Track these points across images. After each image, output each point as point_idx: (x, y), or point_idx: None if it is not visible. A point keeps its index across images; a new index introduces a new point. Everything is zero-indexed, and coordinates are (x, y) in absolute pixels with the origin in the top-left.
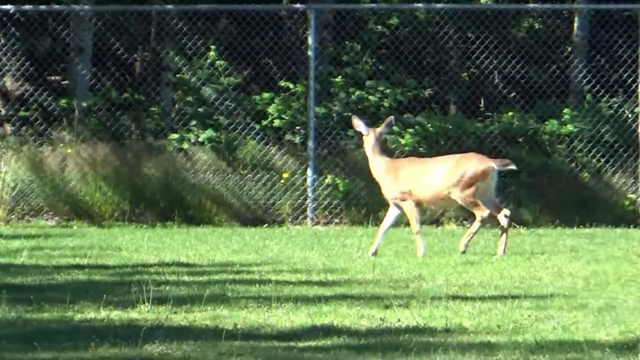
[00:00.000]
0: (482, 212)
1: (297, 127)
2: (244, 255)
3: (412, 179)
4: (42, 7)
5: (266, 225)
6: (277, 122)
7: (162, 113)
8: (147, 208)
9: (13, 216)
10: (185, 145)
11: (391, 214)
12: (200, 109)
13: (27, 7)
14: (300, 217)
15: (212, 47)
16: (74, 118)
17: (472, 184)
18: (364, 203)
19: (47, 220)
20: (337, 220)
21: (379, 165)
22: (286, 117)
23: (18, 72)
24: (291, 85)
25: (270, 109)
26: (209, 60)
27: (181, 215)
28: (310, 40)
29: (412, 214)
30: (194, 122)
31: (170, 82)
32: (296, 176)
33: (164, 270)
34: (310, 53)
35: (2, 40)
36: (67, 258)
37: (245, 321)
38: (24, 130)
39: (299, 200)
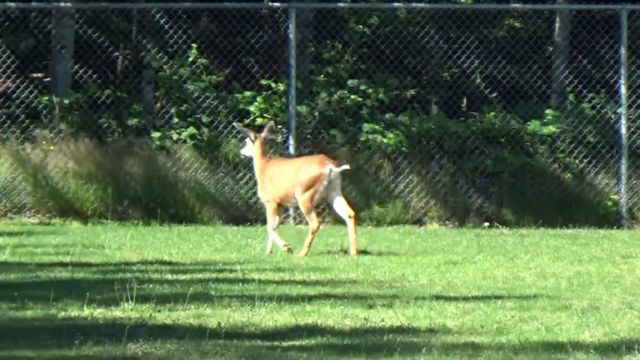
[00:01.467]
0: (312, 223)
1: (279, 126)
2: (227, 254)
3: (272, 180)
4: (24, 4)
5: (249, 223)
6: (259, 121)
7: (144, 111)
8: (129, 206)
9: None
10: (168, 143)
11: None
12: (182, 107)
13: (9, 4)
14: (282, 215)
15: (194, 45)
16: (56, 115)
17: (310, 186)
18: (347, 201)
19: (29, 217)
20: (320, 219)
21: (258, 166)
22: (268, 116)
23: (0, 69)
24: (273, 84)
25: (252, 108)
26: (190, 59)
27: (164, 213)
28: (291, 39)
29: (270, 213)
30: (175, 120)
31: (151, 80)
32: None
33: (147, 268)
34: (291, 51)
35: None
36: (50, 256)
37: (229, 320)
38: (6, 127)
39: None
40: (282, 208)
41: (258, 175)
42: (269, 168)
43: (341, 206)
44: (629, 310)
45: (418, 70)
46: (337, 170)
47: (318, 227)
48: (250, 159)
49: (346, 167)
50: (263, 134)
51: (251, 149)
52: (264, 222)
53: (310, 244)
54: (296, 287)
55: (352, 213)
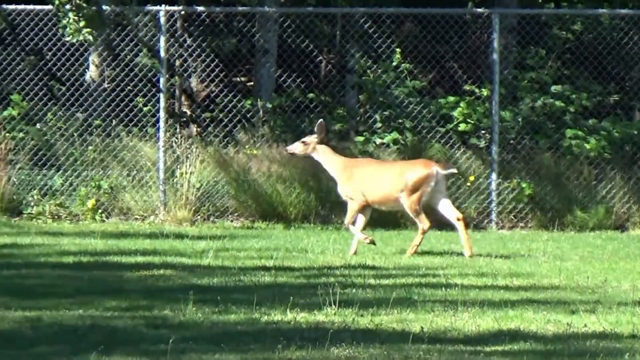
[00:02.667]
0: (422, 224)
1: (482, 131)
2: (430, 259)
3: (363, 181)
4: (228, 8)
5: (451, 228)
6: (462, 126)
7: (347, 115)
8: (332, 210)
9: (198, 217)
10: (371, 148)
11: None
12: (385, 112)
13: (213, 8)
14: (485, 220)
15: (398, 49)
16: (259, 119)
17: (417, 189)
18: (549, 207)
19: (232, 221)
20: (522, 224)
21: (337, 164)
22: (471, 121)
23: (204, 73)
24: (476, 89)
25: (455, 113)
26: (394, 63)
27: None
28: (494, 44)
29: (354, 210)
30: (379, 125)
31: (355, 85)
32: (480, 180)
33: (350, 272)
34: (494, 57)
35: (188, 41)
36: (253, 259)
37: (432, 325)
38: (209, 131)
39: (484, 204)
40: (368, 208)
41: (337, 173)
42: (358, 167)
43: (448, 209)
44: None
45: (621, 76)
46: (443, 172)
47: (429, 227)
48: (305, 157)
49: (453, 170)
50: (320, 136)
51: (315, 148)
52: (466, 226)
53: (419, 244)
54: (499, 292)
55: (459, 215)
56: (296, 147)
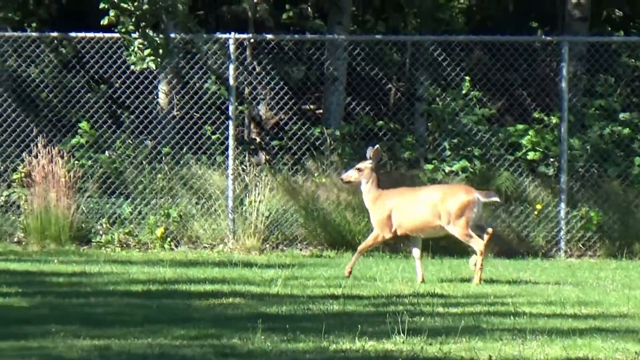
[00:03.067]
0: (477, 245)
1: (551, 159)
2: (498, 287)
3: (398, 211)
4: (298, 35)
5: (520, 256)
6: (531, 154)
7: (417, 143)
8: (400, 238)
9: (267, 245)
10: (439, 176)
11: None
12: (454, 140)
13: (282, 35)
14: (554, 249)
15: (467, 77)
16: (327, 147)
17: (461, 215)
18: (617, 235)
19: (300, 249)
20: (590, 253)
21: (372, 195)
22: (540, 149)
23: (273, 101)
24: (545, 117)
25: (524, 141)
26: (463, 91)
27: (435, 245)
28: (563, 72)
29: (374, 240)
30: (448, 153)
31: (424, 112)
32: (549, 208)
33: (419, 301)
34: (563, 84)
35: (257, 69)
36: (322, 288)
37: (500, 353)
38: (278, 159)
39: (552, 232)
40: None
41: (370, 204)
42: (389, 198)
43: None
44: None
45: None
46: (484, 200)
47: (485, 246)
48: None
49: (495, 199)
50: (374, 162)
51: (362, 176)
52: (534, 255)
53: (481, 266)
54: (567, 320)
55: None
56: (351, 175)
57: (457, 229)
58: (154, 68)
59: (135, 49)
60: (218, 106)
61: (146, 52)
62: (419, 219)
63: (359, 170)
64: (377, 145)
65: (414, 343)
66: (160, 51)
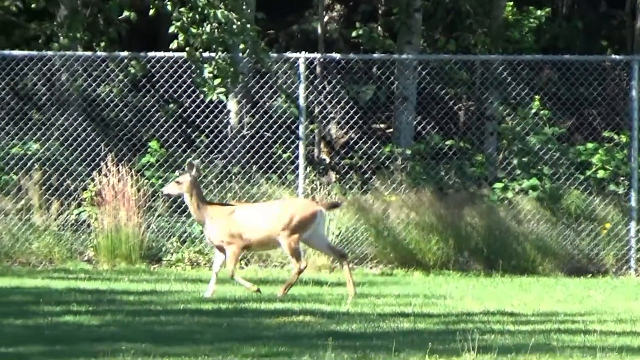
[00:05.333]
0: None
1: (621, 178)
2: (569, 305)
3: (242, 224)
4: (367, 55)
5: (590, 275)
6: (600, 173)
7: (486, 162)
8: (471, 256)
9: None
10: (509, 195)
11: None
12: (524, 159)
13: (352, 55)
14: (624, 267)
15: (536, 96)
16: (397, 166)
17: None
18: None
19: (371, 268)
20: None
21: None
22: (609, 168)
23: (343, 120)
24: (615, 136)
25: (594, 160)
26: (533, 110)
27: (505, 264)
28: (633, 92)
29: (234, 258)
30: (517, 172)
31: (494, 131)
32: (620, 227)
33: (489, 319)
34: (633, 103)
35: (328, 88)
36: (392, 306)
37: None
38: (348, 178)
39: (623, 251)
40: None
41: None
42: (235, 212)
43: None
44: None
45: None
46: (326, 212)
47: (305, 266)
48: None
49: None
50: (194, 174)
51: (182, 189)
52: (604, 273)
53: (289, 287)
54: (637, 338)
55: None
56: (171, 188)
57: (287, 243)
58: (224, 100)
59: (206, 76)
60: (288, 125)
61: (216, 81)
62: (262, 232)
63: (178, 183)
64: (190, 160)
65: None
66: (229, 80)
